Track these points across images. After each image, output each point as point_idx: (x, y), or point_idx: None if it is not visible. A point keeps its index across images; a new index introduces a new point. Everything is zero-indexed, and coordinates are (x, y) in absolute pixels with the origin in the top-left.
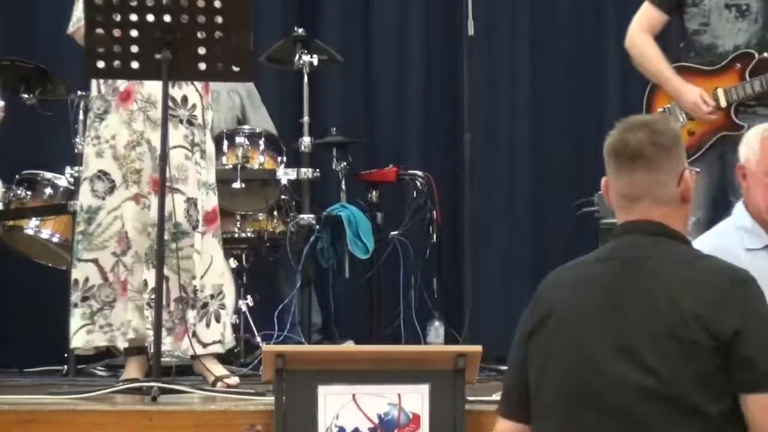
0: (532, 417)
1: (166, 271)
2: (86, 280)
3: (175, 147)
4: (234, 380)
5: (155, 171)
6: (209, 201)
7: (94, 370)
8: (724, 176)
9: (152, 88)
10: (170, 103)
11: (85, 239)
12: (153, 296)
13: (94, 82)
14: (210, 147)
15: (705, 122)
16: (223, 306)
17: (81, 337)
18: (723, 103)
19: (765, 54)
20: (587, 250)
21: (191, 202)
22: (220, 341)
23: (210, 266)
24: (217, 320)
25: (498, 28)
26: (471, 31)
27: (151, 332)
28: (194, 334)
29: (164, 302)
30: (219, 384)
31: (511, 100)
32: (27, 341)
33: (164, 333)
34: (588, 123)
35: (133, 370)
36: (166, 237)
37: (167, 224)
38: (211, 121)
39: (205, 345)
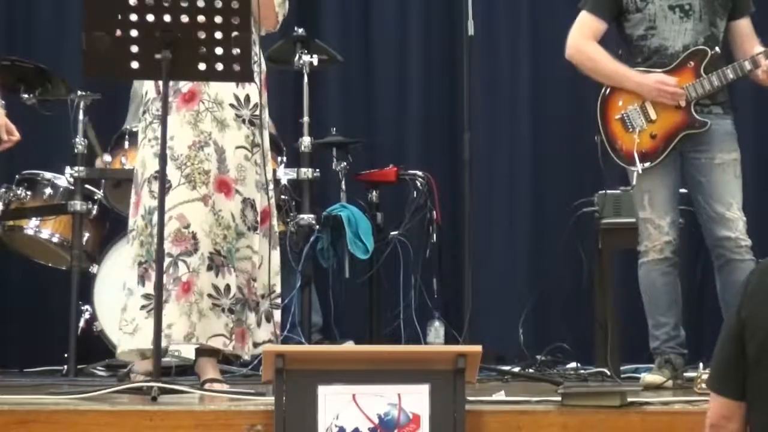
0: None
1: (231, 276)
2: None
3: (237, 147)
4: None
5: (222, 172)
6: (263, 201)
7: (94, 370)
8: (685, 177)
9: (218, 88)
10: (234, 102)
11: (147, 241)
12: (234, 299)
13: (150, 84)
14: (266, 145)
15: (666, 123)
16: (276, 305)
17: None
18: (682, 103)
19: (717, 49)
20: (587, 250)
21: (248, 203)
22: (270, 340)
23: (260, 265)
24: (268, 320)
25: (498, 28)
26: (471, 31)
27: (229, 337)
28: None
29: (225, 306)
30: (206, 386)
31: (511, 100)
32: (27, 341)
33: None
34: (588, 123)
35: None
36: (231, 238)
37: (231, 225)
38: (267, 119)
39: (255, 345)
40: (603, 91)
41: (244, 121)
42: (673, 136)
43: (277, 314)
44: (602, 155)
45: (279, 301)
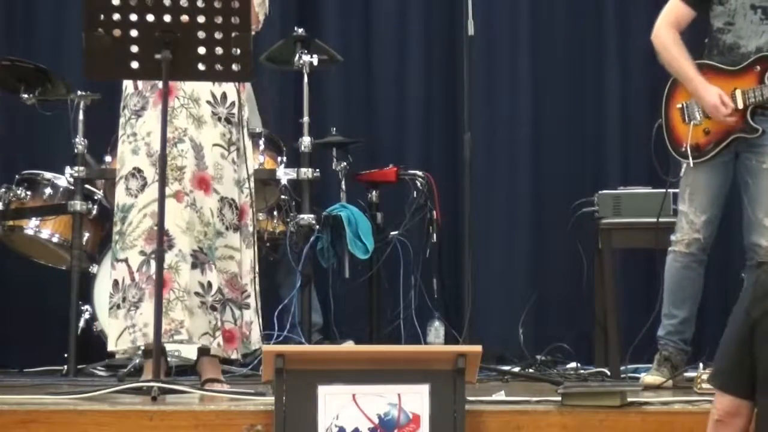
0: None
1: (212, 273)
2: (123, 280)
3: (213, 145)
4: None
5: (200, 169)
6: (240, 199)
7: (94, 370)
8: (737, 176)
9: (194, 84)
10: (211, 100)
11: (121, 239)
12: (217, 297)
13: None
14: (244, 144)
15: (721, 123)
16: (246, 305)
17: (126, 337)
18: (740, 105)
19: None
20: (587, 250)
21: (225, 202)
22: (242, 341)
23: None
24: (240, 320)
25: (498, 28)
26: (471, 31)
27: (213, 335)
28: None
29: (209, 304)
30: (206, 386)
31: (511, 100)
32: (27, 341)
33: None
34: (588, 123)
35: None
36: (211, 235)
37: (210, 222)
38: (246, 118)
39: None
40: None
41: (220, 118)
42: (725, 136)
43: (248, 314)
44: (656, 140)
45: (249, 301)
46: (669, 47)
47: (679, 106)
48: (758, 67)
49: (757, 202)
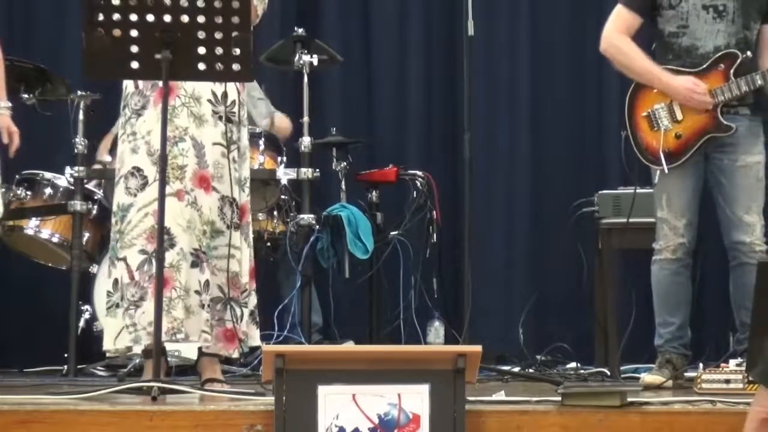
0: None
1: (209, 271)
2: (122, 279)
3: (213, 144)
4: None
5: (201, 167)
6: (240, 198)
7: (94, 370)
8: (708, 177)
9: (196, 83)
10: (211, 99)
11: (121, 238)
12: (213, 295)
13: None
14: (244, 143)
15: (692, 125)
16: (245, 304)
17: (125, 336)
18: (710, 106)
19: (748, 53)
20: (587, 250)
21: (226, 201)
22: (242, 340)
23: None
24: (240, 319)
25: (498, 28)
26: (471, 31)
27: (211, 332)
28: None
29: (206, 303)
30: (206, 386)
31: (511, 100)
32: (27, 341)
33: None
34: (588, 123)
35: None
36: (210, 234)
37: (210, 220)
38: (246, 117)
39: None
40: (633, 86)
41: (220, 117)
42: (698, 138)
43: (247, 313)
44: (625, 151)
45: (248, 300)
46: (625, 51)
47: (645, 114)
48: (722, 65)
49: (735, 201)
